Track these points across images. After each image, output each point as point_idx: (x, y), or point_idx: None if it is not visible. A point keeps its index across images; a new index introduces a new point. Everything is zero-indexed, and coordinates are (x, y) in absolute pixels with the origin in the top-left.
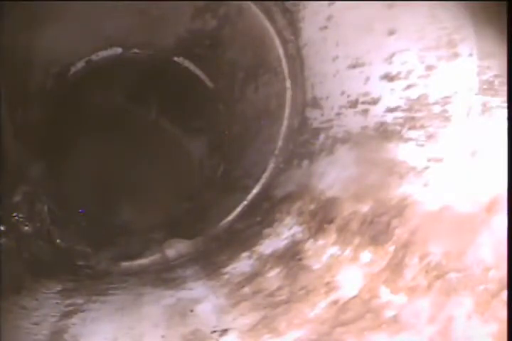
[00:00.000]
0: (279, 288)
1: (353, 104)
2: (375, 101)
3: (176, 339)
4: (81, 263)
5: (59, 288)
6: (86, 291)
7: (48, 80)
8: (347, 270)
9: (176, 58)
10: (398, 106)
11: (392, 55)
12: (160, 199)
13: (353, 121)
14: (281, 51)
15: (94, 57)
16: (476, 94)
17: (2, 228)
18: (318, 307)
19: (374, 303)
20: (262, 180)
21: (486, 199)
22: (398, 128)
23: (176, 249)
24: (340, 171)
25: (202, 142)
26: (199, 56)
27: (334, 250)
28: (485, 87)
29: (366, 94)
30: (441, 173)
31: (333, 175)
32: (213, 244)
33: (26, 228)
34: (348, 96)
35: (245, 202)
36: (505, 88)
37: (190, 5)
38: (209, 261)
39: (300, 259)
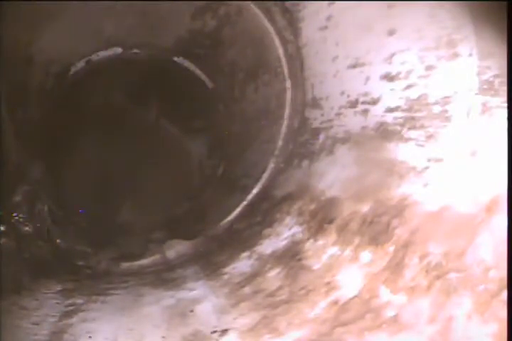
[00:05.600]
0: (279, 288)
1: (353, 104)
2: (375, 101)
3: (177, 340)
4: (81, 263)
5: (59, 288)
6: (86, 291)
7: (48, 80)
8: (347, 270)
9: (175, 58)
10: (398, 106)
11: (392, 55)
12: (160, 199)
13: (353, 121)
14: (281, 51)
15: (94, 57)
16: (476, 94)
17: (2, 228)
18: (319, 307)
19: (374, 303)
20: (262, 180)
21: (486, 199)
22: (398, 128)
23: (176, 249)
24: (340, 171)
25: (202, 142)
26: (199, 56)
27: (334, 250)
28: (485, 87)
29: (366, 94)
30: (441, 173)
31: (333, 175)
32: (213, 244)
33: (26, 228)
34: (348, 96)
35: (245, 202)
36: (505, 88)
37: (190, 5)
38: (209, 261)
39: (300, 259)
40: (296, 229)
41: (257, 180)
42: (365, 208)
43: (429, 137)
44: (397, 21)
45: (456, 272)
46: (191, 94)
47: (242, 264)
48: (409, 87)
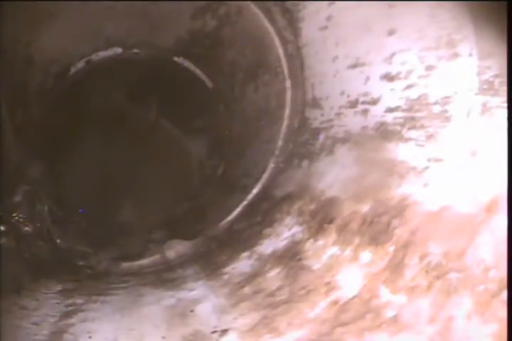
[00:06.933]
0: (279, 288)
1: (353, 104)
2: (375, 101)
3: (177, 340)
4: (81, 263)
5: (59, 288)
6: (86, 291)
7: (48, 80)
8: (347, 270)
9: (175, 58)
10: (398, 106)
11: (392, 55)
12: (160, 199)
13: (353, 121)
14: (281, 51)
15: (94, 57)
16: (476, 94)
17: (2, 228)
18: (318, 307)
19: (374, 303)
20: (262, 180)
21: (486, 199)
22: (398, 128)
23: (176, 249)
24: (340, 171)
25: (202, 142)
26: (199, 56)
27: (334, 250)
28: (485, 87)
29: (366, 94)
30: (441, 173)
31: (333, 175)
32: (213, 244)
33: (26, 228)
34: (348, 96)
35: (245, 202)
36: (505, 88)
37: (190, 5)
38: (209, 261)
39: (300, 259)
40: (296, 229)
41: (257, 180)
42: (365, 208)
43: (429, 137)
44: (397, 21)
45: (456, 272)
46: (191, 94)
47: (242, 264)
48: (409, 87)
